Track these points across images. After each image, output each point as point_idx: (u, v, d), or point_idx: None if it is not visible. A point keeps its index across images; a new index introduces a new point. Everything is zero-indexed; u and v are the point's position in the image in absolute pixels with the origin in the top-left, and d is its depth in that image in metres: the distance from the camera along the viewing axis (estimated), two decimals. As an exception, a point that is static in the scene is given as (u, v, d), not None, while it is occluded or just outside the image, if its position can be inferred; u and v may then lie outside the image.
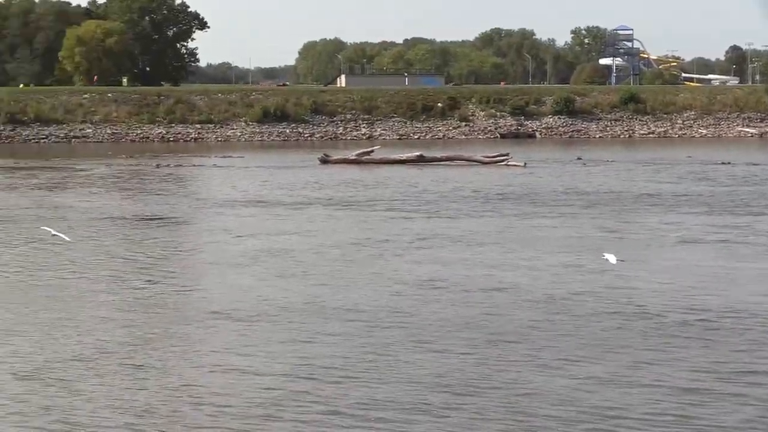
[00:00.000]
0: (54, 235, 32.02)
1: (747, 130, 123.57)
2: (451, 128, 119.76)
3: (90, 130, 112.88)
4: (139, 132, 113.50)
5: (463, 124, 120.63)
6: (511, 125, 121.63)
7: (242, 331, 23.05)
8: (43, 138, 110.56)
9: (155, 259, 33.53)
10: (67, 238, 32.14)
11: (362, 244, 35.97)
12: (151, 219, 43.90)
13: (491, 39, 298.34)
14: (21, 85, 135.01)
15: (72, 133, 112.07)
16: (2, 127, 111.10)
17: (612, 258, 29.91)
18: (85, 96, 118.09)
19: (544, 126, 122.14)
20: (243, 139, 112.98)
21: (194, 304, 26.27)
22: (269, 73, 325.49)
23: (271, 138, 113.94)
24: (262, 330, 23.09)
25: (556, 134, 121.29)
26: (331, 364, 20.11)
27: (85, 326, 23.45)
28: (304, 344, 21.82)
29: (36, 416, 17.26)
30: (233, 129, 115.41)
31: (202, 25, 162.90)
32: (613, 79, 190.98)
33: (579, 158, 79.98)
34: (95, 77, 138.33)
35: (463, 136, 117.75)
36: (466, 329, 22.97)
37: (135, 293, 27.59)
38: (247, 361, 20.48)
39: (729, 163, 74.27)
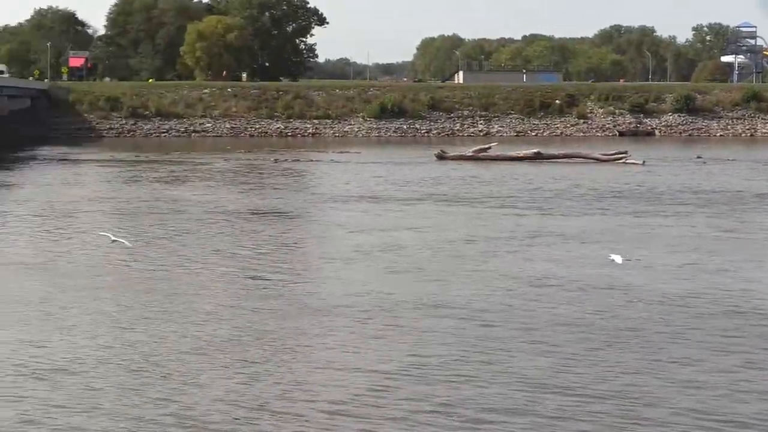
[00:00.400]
0: (114, 240, 31.82)
1: None
2: (568, 125, 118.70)
3: (209, 125, 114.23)
4: (257, 127, 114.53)
5: (581, 121, 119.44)
6: (629, 123, 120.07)
7: (355, 327, 23.03)
8: (163, 132, 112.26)
9: (269, 253, 33.73)
10: (127, 243, 32.05)
11: (475, 240, 35.76)
12: (266, 213, 44.22)
13: (611, 36, 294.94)
14: (150, 80, 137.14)
15: (192, 128, 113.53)
16: (124, 121, 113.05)
17: (618, 258, 29.39)
18: (205, 91, 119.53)
19: (663, 124, 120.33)
20: (360, 135, 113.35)
21: (307, 299, 26.32)
22: (387, 69, 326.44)
23: (388, 134, 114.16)
24: (374, 326, 23.02)
25: (675, 132, 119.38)
26: (443, 363, 19.93)
27: (200, 320, 23.63)
28: (417, 342, 21.68)
29: (150, 409, 17.39)
30: (351, 125, 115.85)
31: (321, 20, 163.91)
32: (735, 77, 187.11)
33: (699, 157, 78.52)
34: (224, 72, 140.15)
35: (581, 134, 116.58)
36: (580, 329, 22.64)
37: (249, 287, 27.77)
38: (359, 358, 20.42)
39: None
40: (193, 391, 18.27)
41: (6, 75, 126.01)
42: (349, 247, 34.58)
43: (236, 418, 16.84)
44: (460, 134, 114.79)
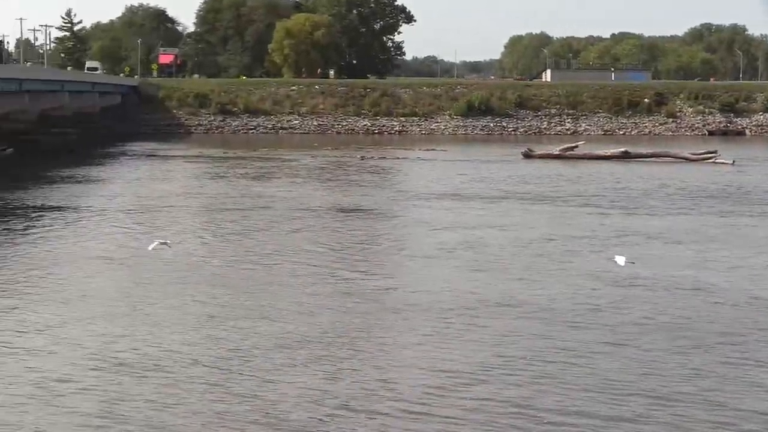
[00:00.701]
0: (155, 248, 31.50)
1: None
2: (657, 124, 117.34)
3: (297, 122, 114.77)
4: (344, 124, 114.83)
5: (670, 120, 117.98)
6: (719, 122, 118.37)
7: (437, 325, 22.95)
8: (251, 129, 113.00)
9: (352, 250, 33.81)
10: (169, 247, 31.88)
11: (559, 239, 35.51)
12: (350, 210, 44.31)
13: (701, 34, 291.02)
14: (243, 77, 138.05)
15: (279, 125, 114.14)
16: (212, 118, 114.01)
17: (621, 260, 28.87)
18: (293, 88, 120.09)
19: (754, 123, 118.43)
20: (447, 133, 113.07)
21: (391, 296, 26.32)
22: (474, 67, 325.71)
23: (475, 132, 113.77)
24: (458, 325, 22.93)
25: (766, 132, 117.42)
26: (526, 363, 19.80)
27: (283, 316, 23.72)
28: (500, 341, 21.56)
29: (233, 404, 17.48)
30: (437, 122, 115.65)
31: (409, 18, 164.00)
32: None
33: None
34: (318, 70, 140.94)
35: (670, 133, 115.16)
36: (665, 331, 22.36)
37: (332, 284, 27.83)
38: (441, 357, 20.32)
39: None
40: (276, 388, 18.34)
41: (100, 72, 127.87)
42: (432, 244, 34.52)
43: (318, 416, 16.85)
44: (547, 132, 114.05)
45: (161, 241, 31.02)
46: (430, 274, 29.35)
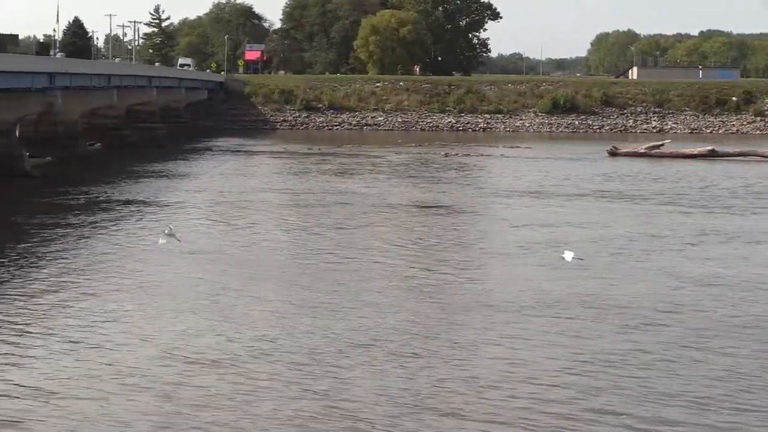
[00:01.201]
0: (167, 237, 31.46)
1: None
2: (745, 123, 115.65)
3: (381, 118, 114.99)
4: (429, 121, 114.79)
5: (758, 119, 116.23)
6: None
7: (518, 322, 22.82)
8: (335, 125, 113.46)
9: (432, 247, 33.80)
10: (177, 239, 31.91)
11: (641, 238, 35.17)
12: (431, 207, 44.30)
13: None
14: (328, 73, 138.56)
15: (364, 121, 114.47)
16: (297, 114, 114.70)
17: (569, 255, 28.84)
18: (378, 84, 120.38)
19: None
20: (531, 130, 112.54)
21: (469, 293, 26.25)
22: (560, 65, 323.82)
23: (560, 129, 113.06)
24: (538, 322, 22.79)
25: None
26: (607, 363, 19.60)
27: (363, 313, 23.73)
28: (580, 339, 21.38)
29: (305, 400, 17.55)
30: (522, 119, 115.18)
31: (495, 15, 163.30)
32: None
33: None
34: (415, 66, 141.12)
35: (758, 132, 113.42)
36: (748, 331, 22.04)
37: (410, 280, 27.84)
38: (522, 355, 20.20)
39: None
40: (353, 384, 18.36)
41: (191, 68, 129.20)
42: (512, 242, 34.39)
43: (394, 414, 16.80)
44: (633, 130, 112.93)
45: (168, 233, 31.00)
46: (509, 271, 29.26)
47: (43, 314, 23.11)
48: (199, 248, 32.35)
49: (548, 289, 26.38)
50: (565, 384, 18.38)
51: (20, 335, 21.29)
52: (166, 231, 30.89)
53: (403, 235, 36.20)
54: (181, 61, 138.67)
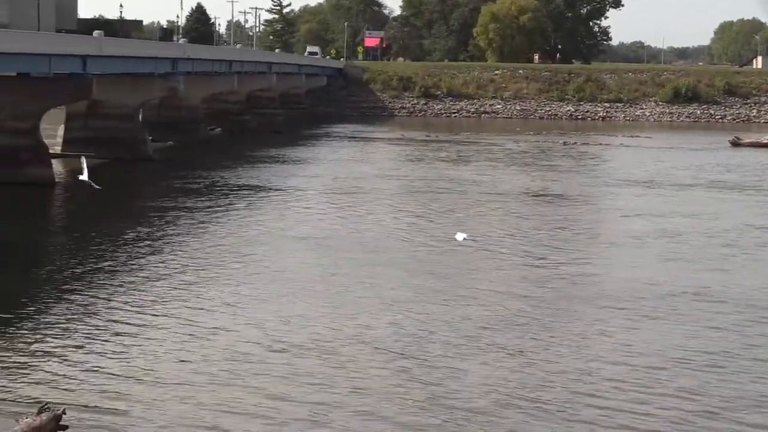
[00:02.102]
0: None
1: None
2: None
3: (499, 106, 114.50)
4: (547, 109, 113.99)
5: None
6: None
7: (631, 315, 22.64)
8: (453, 112, 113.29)
9: (541, 235, 33.69)
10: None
11: (756, 230, 34.65)
12: (545, 195, 44.15)
13: None
14: (447, 60, 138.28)
15: (482, 109, 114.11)
16: (416, 101, 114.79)
17: (461, 236, 29.25)
18: (497, 72, 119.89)
19: None
20: (651, 120, 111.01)
21: (578, 284, 26.12)
22: (682, 53, 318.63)
23: (681, 119, 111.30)
24: (647, 316, 22.62)
25: None
26: (721, 357, 19.45)
27: (470, 302, 23.83)
28: (693, 334, 21.18)
29: (413, 390, 17.73)
30: (642, 109, 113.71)
31: (616, 3, 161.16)
32: None
33: None
34: (558, 55, 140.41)
35: None
36: None
37: (522, 270, 27.80)
38: (629, 349, 20.06)
39: None
40: (457, 375, 18.43)
41: (319, 56, 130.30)
42: (624, 232, 34.17)
43: (500, 406, 16.80)
44: (757, 120, 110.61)
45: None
46: (622, 261, 29.10)
47: (160, 298, 23.64)
48: (311, 234, 32.73)
49: (659, 280, 26.15)
50: (674, 377, 18.28)
51: (136, 319, 21.83)
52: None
53: (512, 223, 36.15)
54: (309, 49, 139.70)
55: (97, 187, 33.07)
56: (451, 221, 36.12)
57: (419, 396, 17.20)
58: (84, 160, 36.62)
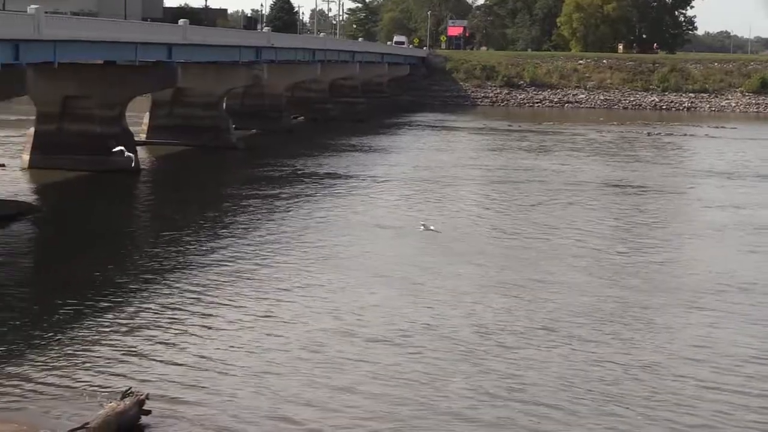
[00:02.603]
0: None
1: None
2: None
3: (583, 96, 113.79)
4: (631, 99, 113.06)
5: None
6: None
7: (706, 308, 22.56)
8: (536, 102, 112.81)
9: (620, 225, 33.63)
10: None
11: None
12: (624, 186, 43.88)
13: None
14: (530, 50, 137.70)
15: (565, 98, 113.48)
16: (498, 90, 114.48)
17: (424, 226, 29.76)
18: (581, 62, 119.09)
19: None
20: (737, 110, 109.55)
21: (657, 275, 26.01)
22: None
23: (767, 110, 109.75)
24: (729, 309, 22.57)
25: None
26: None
27: (551, 293, 23.86)
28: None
29: (486, 381, 17.89)
30: (728, 99, 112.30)
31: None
32: None
33: None
34: (655, 45, 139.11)
35: None
36: None
37: (600, 260, 27.72)
38: (710, 343, 20.00)
39: None
40: (526, 365, 18.49)
41: (407, 46, 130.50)
42: (704, 223, 34.04)
43: (575, 400, 16.83)
44: None
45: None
46: (701, 253, 28.93)
47: (239, 287, 23.97)
48: (390, 223, 32.91)
49: (740, 272, 25.95)
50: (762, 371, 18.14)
51: (215, 308, 22.20)
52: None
53: (588, 213, 36.02)
54: (396, 38, 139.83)
55: (129, 154, 33.58)
56: (533, 211, 36.15)
57: (492, 384, 17.35)
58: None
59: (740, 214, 35.73)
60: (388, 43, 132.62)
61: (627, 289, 24.07)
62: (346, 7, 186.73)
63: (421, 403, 16.54)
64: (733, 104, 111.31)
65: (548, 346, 19.54)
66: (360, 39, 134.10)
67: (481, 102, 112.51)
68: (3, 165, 43.84)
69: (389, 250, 28.53)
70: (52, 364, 17.67)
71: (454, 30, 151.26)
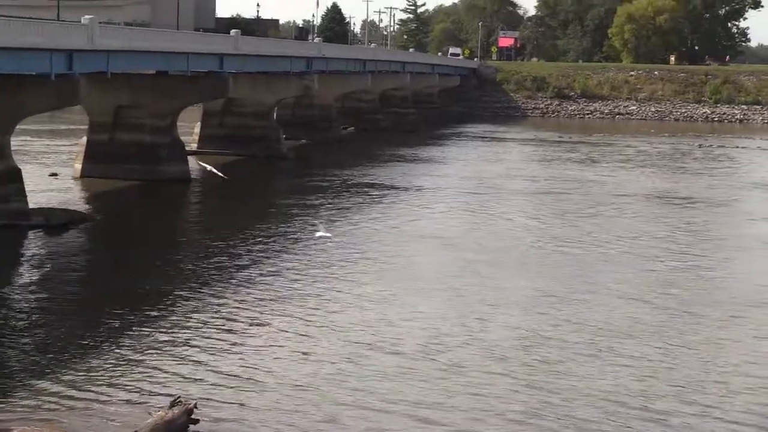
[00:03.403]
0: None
1: None
2: None
3: (634, 107, 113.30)
4: (683, 111, 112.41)
5: None
6: None
7: (758, 325, 22.43)
8: (587, 113, 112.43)
9: (662, 238, 33.51)
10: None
11: None
12: (672, 197, 43.76)
13: None
14: (581, 61, 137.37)
15: (616, 110, 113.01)
16: (549, 101, 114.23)
17: (320, 233, 30.42)
18: (632, 73, 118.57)
19: None
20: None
21: (706, 289, 25.92)
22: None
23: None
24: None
25: None
26: None
27: (595, 306, 23.84)
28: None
29: (519, 393, 17.94)
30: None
31: (756, 3, 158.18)
32: None
33: None
34: (727, 58, 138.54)
35: None
36: None
37: (643, 273, 27.68)
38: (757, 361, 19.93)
39: None
40: (558, 378, 18.44)
41: (461, 57, 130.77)
42: (752, 236, 33.83)
43: (614, 417, 16.67)
44: None
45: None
46: (747, 266, 28.79)
47: (284, 297, 24.13)
48: (435, 233, 33.01)
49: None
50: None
51: (262, 317, 22.42)
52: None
53: (632, 226, 35.93)
54: (451, 50, 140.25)
55: (223, 176, 33.65)
56: (580, 223, 36.10)
57: (520, 397, 17.42)
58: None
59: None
60: (439, 53, 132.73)
61: (671, 302, 24.07)
62: (397, 18, 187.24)
63: (457, 414, 16.53)
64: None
65: (588, 359, 19.57)
66: (411, 49, 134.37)
67: (531, 113, 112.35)
68: (56, 174, 44.32)
69: (434, 260, 28.62)
70: (101, 372, 17.89)
71: (505, 41, 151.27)
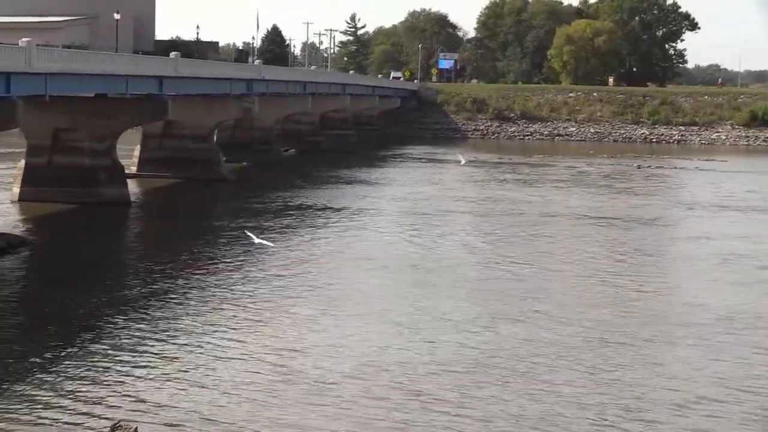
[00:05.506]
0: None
1: None
2: None
3: (573, 129, 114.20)
4: (622, 132, 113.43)
5: None
6: None
7: (700, 340, 22.76)
8: (527, 135, 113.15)
9: (616, 257, 33.80)
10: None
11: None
12: (608, 217, 44.10)
13: None
14: (520, 83, 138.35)
15: (556, 131, 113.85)
16: (489, 123, 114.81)
17: (255, 239, 31.66)
18: (571, 95, 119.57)
19: None
20: (727, 143, 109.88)
21: (651, 306, 26.15)
22: (759, 76, 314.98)
23: (758, 143, 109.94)
24: (725, 341, 22.73)
25: None
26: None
27: (545, 324, 24.03)
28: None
29: (490, 408, 17.90)
30: (718, 132, 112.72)
31: (693, 26, 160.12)
32: None
33: None
34: (720, 80, 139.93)
35: None
36: None
37: (596, 291, 27.89)
38: (702, 374, 20.17)
39: None
40: (538, 391, 18.76)
41: (402, 80, 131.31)
42: (700, 255, 34.12)
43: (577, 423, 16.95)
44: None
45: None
46: (695, 286, 29.01)
47: (228, 320, 24.17)
48: (375, 255, 33.07)
49: (741, 305, 26.06)
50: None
51: (205, 341, 22.41)
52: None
53: (582, 246, 36.14)
54: (393, 74, 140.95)
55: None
56: (516, 245, 36.31)
57: (498, 410, 17.35)
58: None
59: (739, 246, 36.09)
60: (380, 75, 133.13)
61: (621, 323, 24.25)
62: (337, 39, 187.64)
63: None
64: (723, 137, 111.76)
65: (545, 376, 19.61)
66: (351, 72, 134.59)
67: (471, 135, 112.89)
68: (-7, 198, 43.88)
69: (376, 281, 28.65)
70: (39, 399, 17.66)
71: (445, 63, 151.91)
